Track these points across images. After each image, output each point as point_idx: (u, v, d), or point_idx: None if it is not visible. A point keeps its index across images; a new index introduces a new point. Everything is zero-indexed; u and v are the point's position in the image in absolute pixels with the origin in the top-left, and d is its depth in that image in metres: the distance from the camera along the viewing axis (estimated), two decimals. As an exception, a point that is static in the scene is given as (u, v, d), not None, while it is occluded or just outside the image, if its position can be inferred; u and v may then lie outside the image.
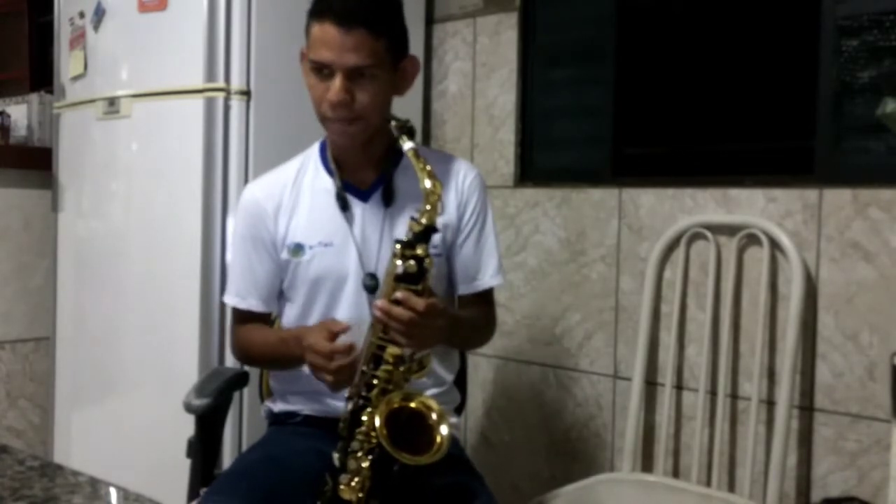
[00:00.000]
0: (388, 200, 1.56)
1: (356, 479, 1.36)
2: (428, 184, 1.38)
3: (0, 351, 2.74)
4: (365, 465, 1.35)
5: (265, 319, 1.68)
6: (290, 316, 1.64)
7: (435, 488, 1.45)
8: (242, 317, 1.67)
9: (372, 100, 1.48)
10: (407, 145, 1.42)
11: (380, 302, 1.34)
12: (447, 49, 2.64)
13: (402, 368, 1.38)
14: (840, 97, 1.95)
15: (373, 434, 1.34)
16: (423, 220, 1.37)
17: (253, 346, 1.65)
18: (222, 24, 2.11)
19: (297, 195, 1.60)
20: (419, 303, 1.33)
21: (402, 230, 1.55)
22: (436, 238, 1.54)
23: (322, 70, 1.46)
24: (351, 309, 1.56)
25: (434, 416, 1.36)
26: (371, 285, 1.54)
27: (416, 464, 1.30)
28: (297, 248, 1.58)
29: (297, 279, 1.59)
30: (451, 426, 1.37)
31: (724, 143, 2.19)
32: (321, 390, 1.51)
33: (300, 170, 1.63)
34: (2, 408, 2.75)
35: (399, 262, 1.36)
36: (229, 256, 1.74)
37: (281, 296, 1.65)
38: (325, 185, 1.59)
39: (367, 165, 1.58)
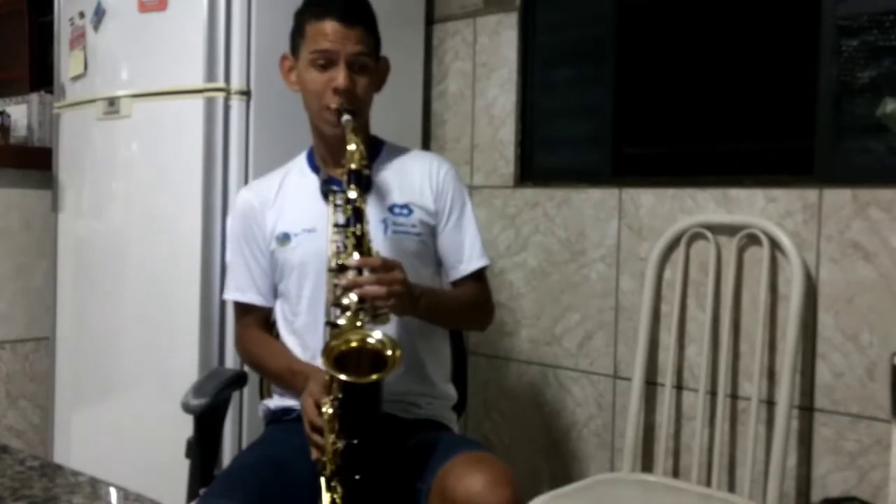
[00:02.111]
0: (366, 187, 1.60)
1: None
2: (351, 146, 1.49)
3: (0, 351, 2.74)
4: (329, 410, 1.38)
5: (266, 315, 1.74)
6: (282, 311, 1.70)
7: (412, 445, 1.51)
8: (245, 310, 1.75)
9: (367, 91, 1.63)
10: (345, 117, 1.54)
11: (343, 281, 1.40)
12: (447, 49, 2.64)
13: (354, 312, 1.41)
14: (840, 97, 1.94)
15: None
16: (351, 166, 1.47)
17: (263, 363, 1.72)
18: (222, 24, 2.11)
19: (283, 192, 1.71)
20: (374, 260, 1.42)
21: (377, 214, 1.62)
22: (414, 219, 1.66)
23: (323, 62, 1.58)
24: None
25: (373, 341, 1.38)
26: None
27: (363, 382, 1.35)
28: (284, 238, 1.66)
29: (285, 267, 1.67)
30: (391, 343, 1.38)
31: (724, 143, 2.19)
32: None
33: (287, 173, 1.75)
34: (2, 408, 2.75)
35: (336, 210, 1.47)
36: (227, 256, 1.79)
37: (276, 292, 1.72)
38: (310, 181, 1.69)
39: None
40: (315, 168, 1.70)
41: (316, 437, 1.42)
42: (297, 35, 1.64)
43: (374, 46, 1.64)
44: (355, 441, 1.36)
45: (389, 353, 1.36)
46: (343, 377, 1.34)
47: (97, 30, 2.37)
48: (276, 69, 2.12)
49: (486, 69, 2.55)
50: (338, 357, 1.36)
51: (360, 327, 1.40)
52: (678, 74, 2.27)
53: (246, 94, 2.13)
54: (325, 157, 1.68)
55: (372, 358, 1.37)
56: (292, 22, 1.69)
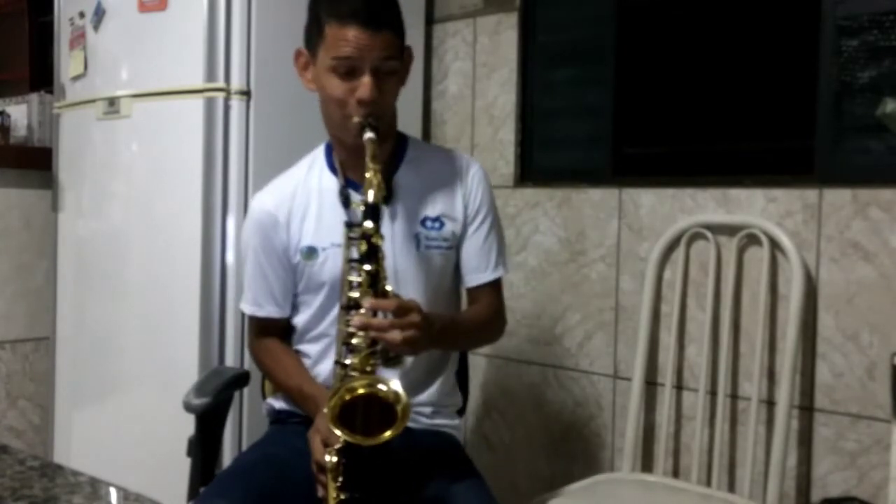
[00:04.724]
0: (388, 197, 1.55)
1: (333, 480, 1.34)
2: (369, 173, 1.39)
3: (0, 351, 2.74)
4: (333, 458, 1.32)
5: (283, 325, 1.68)
6: (302, 318, 1.64)
7: (428, 496, 1.45)
8: (260, 324, 1.68)
9: (393, 97, 1.53)
10: (367, 135, 1.44)
11: (356, 320, 1.33)
12: (447, 49, 2.64)
13: (366, 355, 1.35)
14: (840, 97, 1.94)
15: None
16: (369, 199, 1.37)
17: (275, 377, 1.67)
18: (222, 24, 2.11)
19: (306, 198, 1.61)
20: (389, 303, 1.33)
21: (409, 227, 1.56)
22: (446, 232, 1.59)
23: (346, 70, 1.46)
24: None
25: (383, 389, 1.31)
26: None
27: (369, 444, 1.27)
28: (310, 252, 1.58)
29: (312, 283, 1.59)
30: (403, 397, 1.29)
31: (724, 143, 2.19)
32: None
33: (308, 172, 1.64)
34: (2, 408, 2.75)
35: (351, 244, 1.39)
36: (246, 267, 1.69)
37: (295, 299, 1.65)
38: (331, 185, 1.60)
39: None
40: (333, 169, 1.61)
41: (323, 478, 1.36)
42: (315, 33, 1.50)
43: (400, 45, 1.52)
44: (357, 496, 1.31)
45: (399, 408, 1.27)
46: (345, 438, 1.27)
47: (97, 30, 2.37)
48: (277, 69, 2.13)
49: (486, 69, 2.55)
50: (344, 406, 1.29)
51: (371, 371, 1.34)
52: (678, 74, 2.27)
53: (246, 94, 2.13)
54: (345, 161, 1.59)
55: (381, 408, 1.29)
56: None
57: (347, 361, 1.36)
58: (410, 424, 1.58)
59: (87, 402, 2.46)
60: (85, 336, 2.47)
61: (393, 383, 1.30)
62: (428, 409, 1.63)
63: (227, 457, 2.03)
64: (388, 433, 1.26)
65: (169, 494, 1.44)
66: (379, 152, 1.45)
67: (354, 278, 1.37)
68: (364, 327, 1.32)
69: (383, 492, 1.33)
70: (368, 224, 1.34)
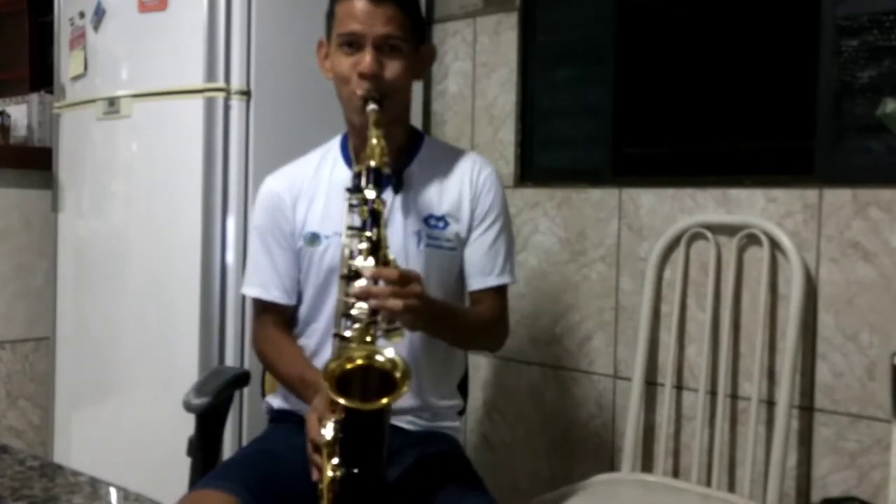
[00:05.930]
0: (398, 187, 1.55)
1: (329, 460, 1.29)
2: (373, 140, 1.39)
3: (0, 351, 2.74)
4: (329, 433, 1.28)
5: (286, 313, 1.66)
6: (299, 309, 1.64)
7: (427, 499, 1.44)
8: (265, 308, 1.66)
9: (399, 75, 1.50)
10: (370, 107, 1.44)
11: (356, 288, 1.29)
12: (447, 49, 2.64)
13: (365, 326, 1.30)
14: (840, 97, 1.95)
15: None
16: (371, 164, 1.36)
17: (276, 367, 1.65)
18: (222, 24, 2.11)
19: (315, 185, 1.61)
20: (391, 272, 1.30)
21: (412, 225, 1.55)
22: (449, 232, 1.57)
23: (351, 44, 1.48)
24: None
25: (381, 359, 1.27)
26: None
27: (365, 408, 1.23)
28: (313, 238, 1.58)
29: (311, 268, 1.59)
30: (401, 363, 1.25)
31: (724, 143, 2.19)
32: None
33: (321, 161, 1.64)
34: (2, 408, 2.75)
35: (352, 210, 1.37)
36: (250, 250, 1.69)
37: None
38: (343, 175, 1.58)
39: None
40: (348, 159, 1.60)
41: (317, 458, 1.32)
42: (329, 16, 1.54)
43: (411, 28, 1.51)
44: (356, 470, 1.26)
45: (398, 375, 1.23)
46: (343, 402, 1.21)
47: (97, 30, 2.38)
48: (277, 69, 2.14)
49: (486, 69, 2.55)
50: (341, 377, 1.25)
51: (371, 342, 1.28)
52: (678, 74, 2.27)
53: (246, 94, 2.13)
54: (358, 148, 1.55)
55: (380, 377, 1.25)
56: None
57: (347, 334, 1.31)
58: (410, 427, 1.59)
59: (87, 402, 2.46)
60: (85, 336, 2.47)
61: (389, 352, 1.27)
62: (428, 414, 1.62)
63: (227, 456, 2.03)
64: (386, 399, 1.23)
65: (169, 494, 1.43)
66: (384, 122, 1.43)
67: (355, 245, 1.34)
68: (365, 294, 1.29)
69: (380, 468, 1.29)
70: (370, 190, 1.33)
